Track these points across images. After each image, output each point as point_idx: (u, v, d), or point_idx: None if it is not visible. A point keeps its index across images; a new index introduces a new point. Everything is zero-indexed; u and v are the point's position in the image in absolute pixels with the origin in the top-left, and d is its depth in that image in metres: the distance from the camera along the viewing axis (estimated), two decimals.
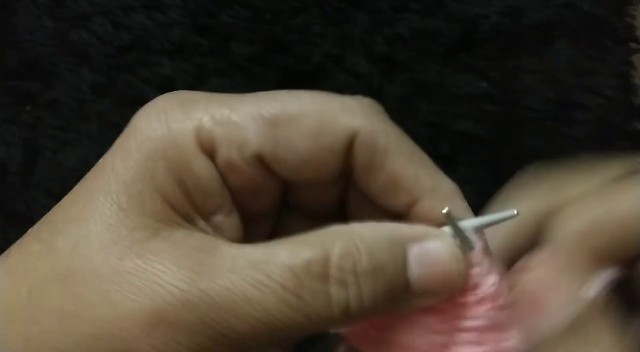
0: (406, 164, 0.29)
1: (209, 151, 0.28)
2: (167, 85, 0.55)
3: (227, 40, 0.57)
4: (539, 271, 0.29)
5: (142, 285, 0.25)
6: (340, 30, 0.56)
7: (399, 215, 0.30)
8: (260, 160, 0.29)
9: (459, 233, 0.27)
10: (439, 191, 0.29)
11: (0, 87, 0.57)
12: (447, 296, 0.27)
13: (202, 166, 0.28)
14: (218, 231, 0.29)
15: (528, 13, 0.58)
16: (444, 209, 0.27)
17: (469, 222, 0.28)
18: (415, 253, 0.26)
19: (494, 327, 0.27)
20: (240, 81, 0.56)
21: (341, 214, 0.32)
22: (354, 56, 0.56)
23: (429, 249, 0.27)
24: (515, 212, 0.27)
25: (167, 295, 0.25)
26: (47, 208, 0.29)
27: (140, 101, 0.29)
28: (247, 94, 0.30)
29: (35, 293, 0.26)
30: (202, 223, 0.29)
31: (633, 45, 0.59)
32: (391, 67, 0.55)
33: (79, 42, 0.58)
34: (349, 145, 0.28)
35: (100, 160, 0.29)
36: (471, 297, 0.27)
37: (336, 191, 0.32)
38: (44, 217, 0.29)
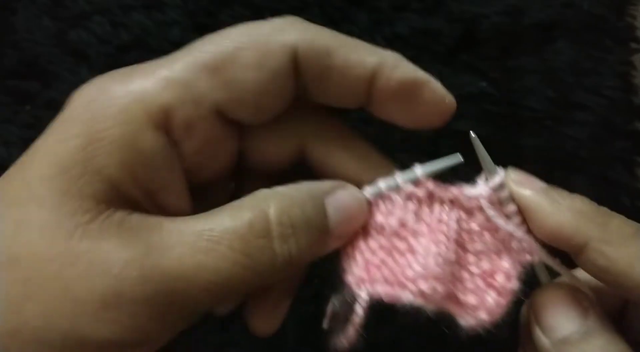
0: (349, 53, 0.30)
1: (161, 121, 0.28)
2: None
3: None
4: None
5: (92, 264, 0.26)
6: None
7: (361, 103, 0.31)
8: (218, 111, 0.29)
9: (483, 157, 0.32)
10: (386, 61, 0.30)
11: None
12: (352, 233, 0.31)
13: (148, 141, 0.28)
14: (165, 210, 0.29)
15: (528, 13, 0.57)
16: (405, 75, 0.30)
17: (422, 169, 0.32)
18: (330, 203, 0.29)
19: (494, 252, 0.32)
20: None
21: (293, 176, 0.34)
22: None
23: (340, 197, 0.30)
24: (460, 158, 0.32)
25: (120, 272, 0.25)
26: None
27: None
28: (177, 52, 0.30)
29: None
30: (147, 203, 0.29)
31: (633, 45, 0.59)
32: None
33: (78, 41, 0.57)
34: (294, 62, 0.29)
35: (35, 143, 0.29)
36: (474, 225, 0.32)
37: (292, 143, 0.33)
38: None
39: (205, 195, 0.32)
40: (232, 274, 0.27)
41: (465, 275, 0.32)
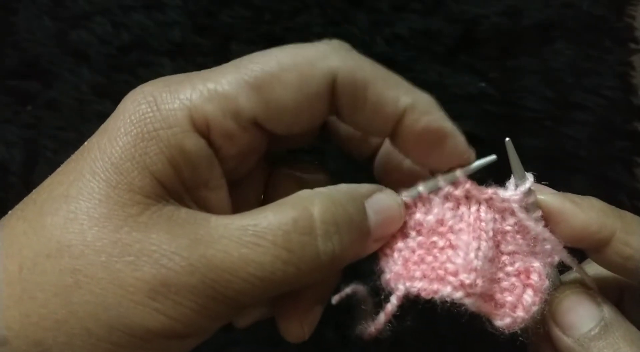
0: (385, 89, 0.31)
1: (202, 128, 0.29)
2: None
3: (227, 40, 0.57)
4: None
5: (141, 254, 0.27)
6: (340, 30, 0.56)
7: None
8: (255, 124, 0.30)
9: (515, 163, 0.33)
10: (418, 104, 0.31)
11: (0, 87, 0.57)
12: (390, 235, 0.33)
13: (193, 143, 0.29)
14: (206, 206, 0.31)
15: (528, 13, 0.58)
16: (431, 123, 0.31)
17: (461, 172, 0.33)
18: (370, 205, 0.31)
19: (526, 252, 0.33)
20: None
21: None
22: None
23: (379, 200, 0.31)
24: (494, 156, 0.33)
25: (168, 262, 0.27)
26: None
27: None
28: (224, 65, 0.31)
29: (26, 270, 0.27)
30: (188, 199, 0.30)
31: (632, 45, 0.59)
32: (391, 67, 0.55)
33: (79, 42, 0.58)
34: (332, 87, 0.30)
35: (85, 143, 0.30)
36: (507, 227, 0.33)
37: (316, 133, 0.35)
38: (25, 199, 0.30)
39: (239, 188, 0.34)
40: (275, 268, 0.28)
41: (501, 274, 0.33)
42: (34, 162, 0.55)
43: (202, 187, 0.30)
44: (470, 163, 0.33)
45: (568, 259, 0.33)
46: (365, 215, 0.30)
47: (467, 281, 0.30)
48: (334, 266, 0.29)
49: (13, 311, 0.26)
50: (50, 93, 0.57)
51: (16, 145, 0.55)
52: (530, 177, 0.33)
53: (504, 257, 0.33)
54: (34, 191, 0.30)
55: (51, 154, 0.55)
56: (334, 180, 0.33)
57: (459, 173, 0.33)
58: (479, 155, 0.33)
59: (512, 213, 0.33)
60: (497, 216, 0.33)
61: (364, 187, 0.32)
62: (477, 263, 0.31)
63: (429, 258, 0.32)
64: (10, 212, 0.29)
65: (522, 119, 0.54)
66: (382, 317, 0.31)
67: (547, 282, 0.33)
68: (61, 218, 0.27)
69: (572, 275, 0.35)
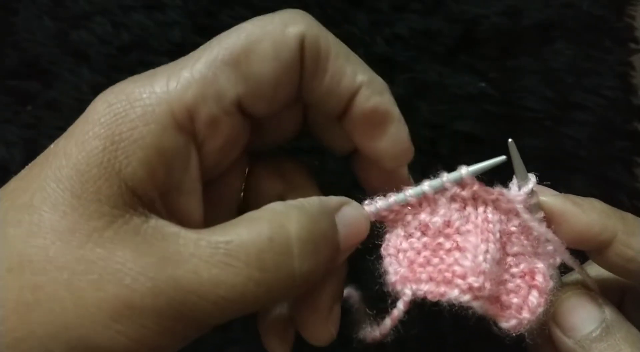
0: (345, 63, 0.31)
1: (184, 120, 0.28)
2: None
3: None
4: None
5: (105, 273, 0.25)
6: (340, 30, 0.56)
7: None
8: (239, 107, 0.30)
9: (518, 164, 0.33)
10: (373, 84, 0.31)
11: (0, 87, 0.57)
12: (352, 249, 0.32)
13: (170, 141, 0.28)
14: (175, 212, 0.29)
15: (528, 13, 0.58)
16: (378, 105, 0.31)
17: (468, 169, 0.32)
18: (339, 218, 0.30)
19: (530, 253, 0.33)
20: None
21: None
22: None
23: (347, 213, 0.31)
24: (505, 157, 0.32)
25: (133, 282, 0.25)
26: None
27: None
28: (193, 52, 0.30)
29: None
30: (159, 204, 0.28)
31: (632, 45, 0.59)
32: (391, 67, 0.55)
33: (79, 42, 0.57)
34: (302, 53, 0.30)
35: (51, 146, 0.28)
36: (512, 228, 0.33)
37: (295, 122, 0.34)
38: None
39: (216, 186, 0.33)
40: (246, 290, 0.26)
41: (506, 276, 0.33)
42: None
43: (175, 190, 0.29)
44: (408, 157, 0.33)
45: (570, 260, 0.33)
46: (336, 229, 0.30)
47: (476, 285, 0.30)
48: (307, 285, 0.28)
49: None
50: (50, 93, 0.56)
51: (16, 145, 0.55)
52: (532, 178, 0.33)
53: (509, 259, 0.33)
54: None
55: None
56: (334, 180, 0.33)
57: (464, 172, 0.32)
58: (478, 156, 0.33)
59: (517, 214, 0.33)
60: (502, 217, 0.33)
61: (333, 200, 0.31)
62: (485, 266, 0.31)
63: (435, 260, 0.32)
64: None
65: (522, 119, 0.54)
66: (388, 322, 0.31)
67: (551, 283, 0.33)
68: (24, 230, 0.26)
69: (574, 276, 0.35)
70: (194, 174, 0.29)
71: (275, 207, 0.29)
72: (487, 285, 0.31)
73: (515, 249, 0.33)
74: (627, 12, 0.60)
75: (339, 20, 0.57)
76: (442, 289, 0.31)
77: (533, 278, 0.33)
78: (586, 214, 0.32)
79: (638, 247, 0.31)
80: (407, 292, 0.31)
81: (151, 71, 0.29)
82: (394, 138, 0.32)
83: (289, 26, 0.30)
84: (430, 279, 0.31)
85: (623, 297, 0.36)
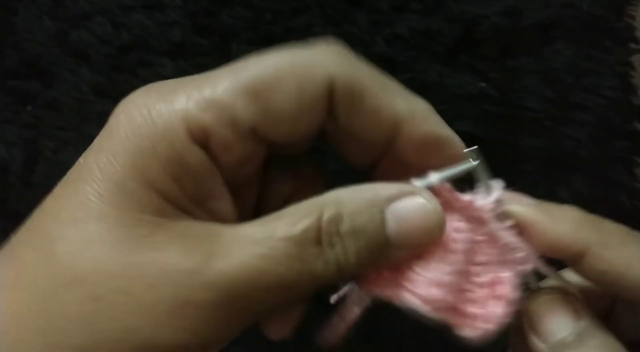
0: (382, 97, 0.31)
1: (201, 139, 0.29)
2: None
3: (227, 40, 0.57)
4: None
5: (159, 276, 0.27)
6: (340, 30, 0.56)
7: (383, 149, 0.32)
8: (253, 133, 0.30)
9: (480, 175, 0.32)
10: (416, 112, 0.31)
11: (0, 87, 0.57)
12: (427, 244, 0.30)
13: (193, 156, 0.29)
14: (213, 215, 0.30)
15: (528, 13, 0.58)
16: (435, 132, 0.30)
17: (437, 176, 0.31)
18: (391, 212, 0.29)
19: (497, 262, 0.32)
20: None
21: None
22: None
23: (404, 207, 0.29)
24: (477, 162, 0.32)
25: (187, 280, 0.27)
26: None
27: None
28: (219, 70, 0.30)
29: (45, 302, 0.26)
30: (197, 211, 0.30)
31: (632, 45, 0.59)
32: (391, 67, 0.55)
33: (79, 42, 0.58)
34: (329, 94, 0.30)
35: (80, 160, 0.29)
36: (479, 237, 0.32)
37: (314, 137, 0.34)
38: (27, 224, 0.29)
39: (239, 193, 0.33)
40: (290, 279, 0.28)
41: (470, 286, 0.32)
42: (34, 162, 0.55)
43: (208, 198, 0.30)
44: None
45: (543, 268, 0.32)
46: (381, 222, 0.29)
47: (437, 297, 0.30)
48: (343, 274, 0.29)
49: (36, 343, 0.26)
50: (50, 93, 0.57)
51: (16, 145, 0.55)
52: (499, 185, 0.32)
53: (475, 268, 0.32)
54: (33, 215, 0.29)
55: (51, 154, 0.55)
56: (334, 180, 0.33)
57: (434, 178, 0.31)
58: (479, 155, 0.33)
59: (484, 222, 0.32)
60: (471, 226, 0.32)
61: (388, 189, 0.30)
62: (448, 278, 0.30)
63: (402, 266, 0.31)
64: (13, 240, 0.29)
65: (522, 119, 0.54)
66: (341, 325, 0.31)
67: (516, 293, 0.31)
68: (72, 245, 0.27)
69: (555, 280, 0.35)
70: (221, 181, 0.30)
71: (315, 200, 0.29)
72: (448, 297, 0.30)
73: (482, 258, 0.32)
74: (627, 12, 0.60)
75: (339, 20, 0.57)
76: (403, 296, 0.30)
77: (498, 288, 0.32)
78: (558, 224, 0.30)
79: (611, 260, 0.29)
80: (366, 298, 0.31)
81: (174, 83, 0.30)
82: (452, 158, 0.32)
83: (318, 66, 0.30)
84: (396, 284, 0.30)
85: (614, 302, 0.35)
